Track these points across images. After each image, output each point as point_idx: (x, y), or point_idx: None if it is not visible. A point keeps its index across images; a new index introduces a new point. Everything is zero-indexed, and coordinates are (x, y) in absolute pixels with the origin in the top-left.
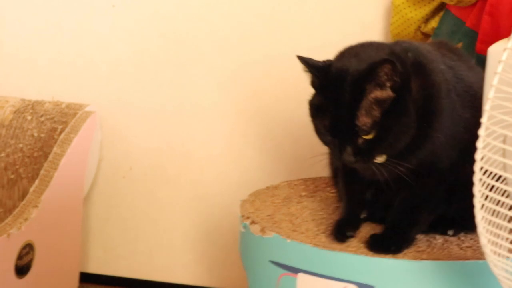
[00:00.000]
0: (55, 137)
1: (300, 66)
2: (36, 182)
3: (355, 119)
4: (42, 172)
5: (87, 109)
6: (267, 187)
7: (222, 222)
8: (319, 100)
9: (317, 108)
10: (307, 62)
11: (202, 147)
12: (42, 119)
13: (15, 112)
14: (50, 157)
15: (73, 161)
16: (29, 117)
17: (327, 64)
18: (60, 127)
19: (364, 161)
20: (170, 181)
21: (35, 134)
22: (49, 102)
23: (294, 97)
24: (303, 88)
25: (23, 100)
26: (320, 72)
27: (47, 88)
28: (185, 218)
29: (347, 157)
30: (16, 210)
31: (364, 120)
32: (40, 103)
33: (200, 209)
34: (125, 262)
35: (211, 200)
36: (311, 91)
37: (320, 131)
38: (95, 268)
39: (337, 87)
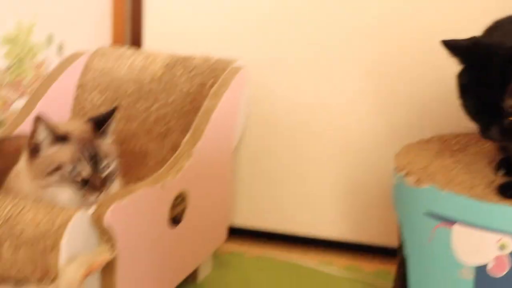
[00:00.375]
0: (205, 91)
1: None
2: (188, 134)
3: (501, 101)
4: (194, 124)
5: (235, 65)
6: (418, 141)
7: (369, 177)
8: (466, 77)
9: (464, 86)
10: (451, 46)
11: (349, 103)
12: (192, 74)
13: (165, 66)
14: (202, 110)
15: (223, 114)
16: (179, 72)
17: (473, 42)
18: (209, 81)
19: (510, 140)
20: (316, 136)
21: (186, 88)
22: (198, 57)
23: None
24: None
25: (172, 55)
26: (465, 54)
27: (196, 44)
28: (332, 173)
29: (493, 135)
30: (170, 161)
31: (511, 103)
32: (189, 58)
33: (346, 164)
34: (270, 216)
35: (358, 156)
36: None
37: (466, 108)
38: (241, 221)
39: (484, 66)
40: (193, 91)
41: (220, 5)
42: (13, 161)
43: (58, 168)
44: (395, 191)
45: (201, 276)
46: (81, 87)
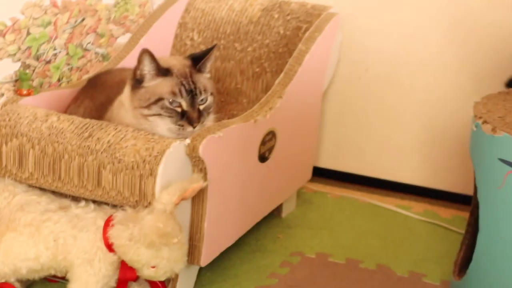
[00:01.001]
0: (300, 35)
1: None
2: (281, 75)
3: None
4: (287, 66)
5: (330, 10)
6: (499, 92)
7: (450, 127)
8: None
9: None
10: None
11: (435, 56)
12: (288, 17)
13: (263, 10)
14: (295, 53)
15: (315, 59)
16: (276, 15)
17: None
18: (304, 26)
19: None
20: (402, 85)
21: (281, 31)
22: (295, 2)
23: None
24: None
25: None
26: None
27: None
28: (415, 121)
29: None
30: (262, 100)
31: None
32: (287, 2)
33: (429, 114)
34: (354, 159)
35: (441, 106)
36: None
37: None
38: (326, 163)
39: None
40: (288, 34)
41: None
42: (117, 91)
43: (159, 100)
44: (472, 138)
45: (286, 212)
46: (182, 25)
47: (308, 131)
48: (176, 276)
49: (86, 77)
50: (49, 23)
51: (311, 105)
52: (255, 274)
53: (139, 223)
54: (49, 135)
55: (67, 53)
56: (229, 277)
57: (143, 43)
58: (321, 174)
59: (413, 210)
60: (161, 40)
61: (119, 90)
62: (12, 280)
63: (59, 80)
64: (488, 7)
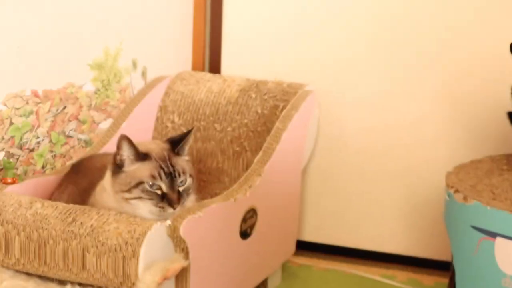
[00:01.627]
0: (277, 113)
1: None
2: (260, 153)
3: None
4: (265, 144)
5: (306, 88)
6: (471, 161)
7: (429, 195)
8: None
9: None
10: None
11: (411, 127)
12: (266, 97)
13: (240, 90)
14: (273, 131)
15: (293, 136)
16: (253, 95)
17: None
18: (281, 104)
19: None
20: (380, 156)
21: (259, 111)
22: (272, 82)
23: (500, 80)
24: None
25: (247, 80)
26: None
27: (270, 69)
28: (394, 191)
29: None
30: (242, 178)
31: None
32: (263, 82)
33: (408, 183)
34: (338, 231)
35: (418, 175)
36: None
37: None
38: (309, 235)
39: None
40: (266, 113)
41: (292, 33)
42: (99, 176)
43: (139, 183)
44: (446, 207)
45: (271, 286)
46: (163, 108)
47: (289, 206)
48: None
49: (69, 163)
50: (31, 113)
51: (291, 181)
52: None
53: None
54: (34, 221)
55: (50, 141)
56: None
57: (125, 128)
58: (305, 247)
59: (397, 279)
60: (142, 124)
61: (101, 175)
62: None
63: (43, 167)
64: (463, 78)
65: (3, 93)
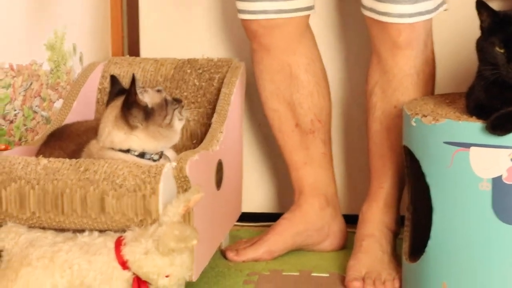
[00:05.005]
0: (214, 84)
1: None
2: (215, 115)
3: None
4: (218, 107)
5: (235, 62)
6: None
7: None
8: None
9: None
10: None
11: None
12: (200, 71)
13: (175, 68)
14: (221, 96)
15: (237, 99)
16: (188, 71)
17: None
18: (217, 76)
19: None
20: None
21: (197, 83)
22: (201, 58)
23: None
24: None
25: (178, 59)
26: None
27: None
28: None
29: None
30: (208, 135)
31: None
32: (194, 60)
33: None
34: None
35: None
36: None
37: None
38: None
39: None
40: (204, 85)
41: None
42: (87, 138)
43: (166, 102)
44: (411, 134)
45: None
46: (102, 90)
47: (238, 164)
48: None
49: (38, 137)
50: (9, 85)
51: (238, 140)
52: None
53: (151, 237)
54: (46, 174)
55: (23, 115)
56: None
57: (75, 107)
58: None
59: None
60: (87, 105)
61: (88, 137)
62: None
63: (20, 139)
64: None
65: None
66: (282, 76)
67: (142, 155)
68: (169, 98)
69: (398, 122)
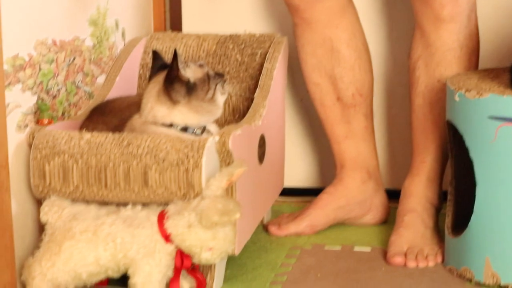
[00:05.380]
0: (257, 59)
1: None
2: (258, 90)
3: None
4: (260, 82)
5: (277, 37)
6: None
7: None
8: None
9: None
10: None
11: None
12: (242, 46)
13: (217, 43)
14: (264, 71)
15: (280, 74)
16: (231, 46)
17: None
18: (259, 51)
19: None
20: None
21: (239, 59)
22: (243, 34)
23: None
24: None
25: (220, 35)
26: None
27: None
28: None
29: None
30: (250, 110)
31: None
32: (236, 35)
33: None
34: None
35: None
36: None
37: None
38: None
39: None
40: (247, 60)
41: None
42: (129, 114)
43: (208, 77)
44: (454, 109)
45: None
46: (144, 66)
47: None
48: (213, 268)
49: (80, 112)
50: (52, 61)
51: (281, 115)
52: (270, 265)
53: (194, 210)
54: (89, 148)
55: (66, 90)
56: (248, 271)
57: (118, 82)
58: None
59: None
60: (130, 80)
61: (131, 112)
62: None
63: (63, 114)
64: None
65: (33, 39)
66: (324, 50)
67: (184, 129)
68: (211, 72)
69: (441, 96)
